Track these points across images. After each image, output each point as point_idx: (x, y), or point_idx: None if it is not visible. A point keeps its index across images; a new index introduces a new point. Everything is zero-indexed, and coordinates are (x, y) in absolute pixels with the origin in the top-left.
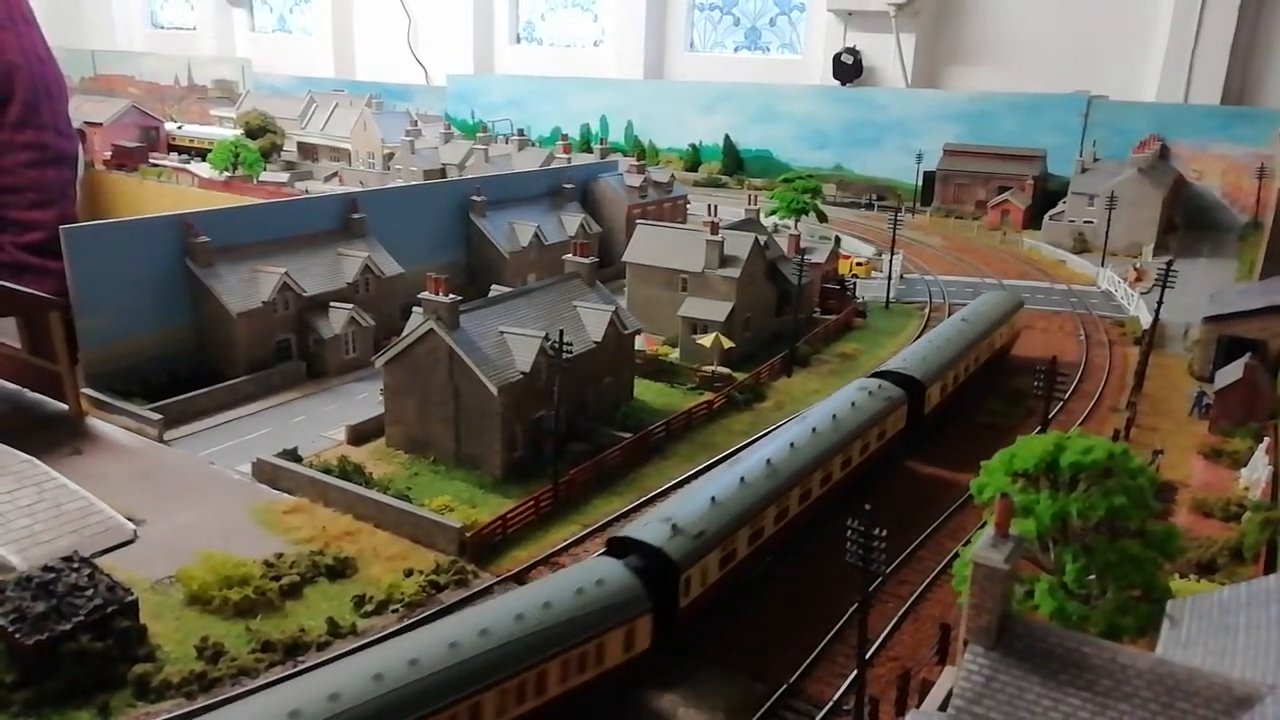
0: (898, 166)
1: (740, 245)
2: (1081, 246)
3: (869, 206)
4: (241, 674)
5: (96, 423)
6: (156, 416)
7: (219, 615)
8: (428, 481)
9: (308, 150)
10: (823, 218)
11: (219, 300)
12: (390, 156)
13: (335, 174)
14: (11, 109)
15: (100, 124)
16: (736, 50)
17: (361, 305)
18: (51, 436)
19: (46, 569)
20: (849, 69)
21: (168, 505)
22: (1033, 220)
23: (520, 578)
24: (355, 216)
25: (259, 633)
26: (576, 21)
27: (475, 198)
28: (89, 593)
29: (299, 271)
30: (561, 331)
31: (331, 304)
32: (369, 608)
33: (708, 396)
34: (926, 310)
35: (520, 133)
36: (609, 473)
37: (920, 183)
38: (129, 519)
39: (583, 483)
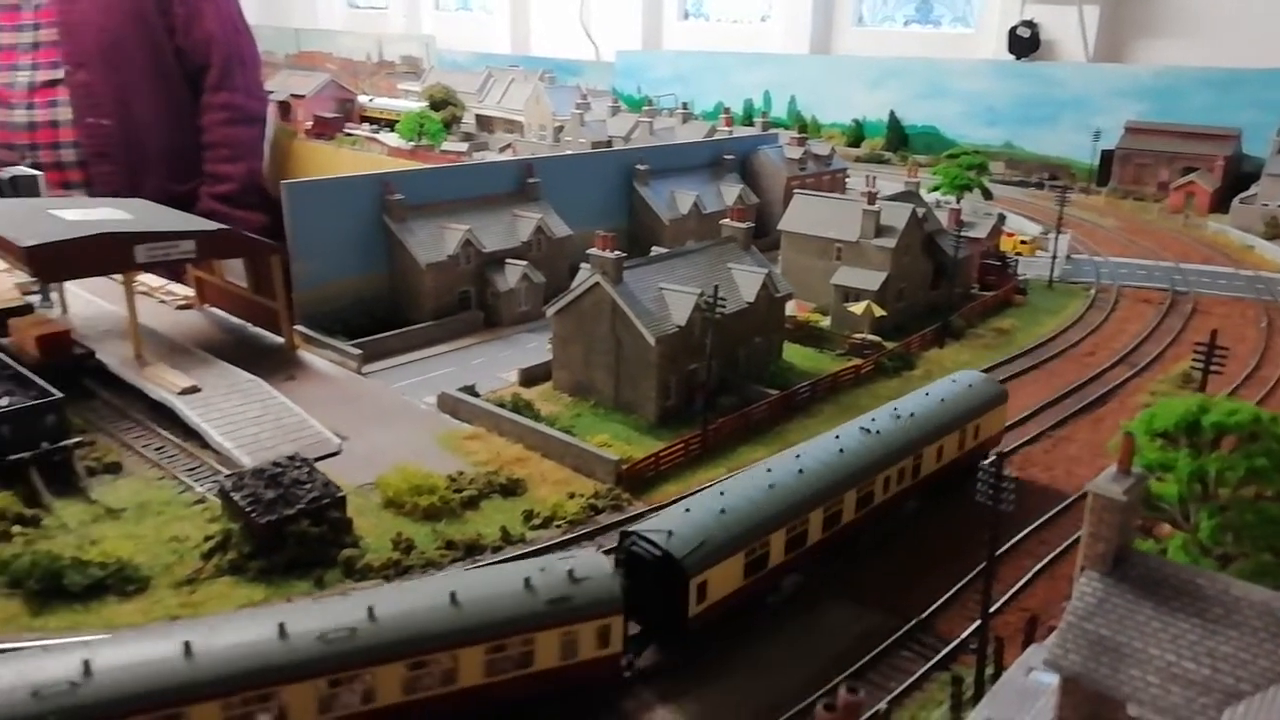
0: (1072, 145)
1: (897, 216)
2: (1275, 232)
3: (1039, 186)
4: (429, 565)
5: (305, 355)
6: (357, 352)
7: (409, 518)
8: (588, 421)
9: (485, 122)
10: (988, 195)
11: (410, 252)
12: (561, 129)
13: (509, 145)
14: (210, 74)
15: (303, 96)
16: (906, 24)
17: (533, 263)
18: (269, 364)
19: (275, 464)
20: (1025, 43)
21: (365, 427)
22: (1220, 203)
23: None
24: (530, 181)
25: (443, 534)
26: None
27: (639, 166)
28: (308, 486)
29: (480, 230)
30: (716, 287)
31: (507, 261)
32: (536, 522)
33: (855, 362)
34: (1093, 291)
35: (684, 106)
36: (755, 425)
37: (1097, 162)
38: (335, 435)
39: (730, 432)
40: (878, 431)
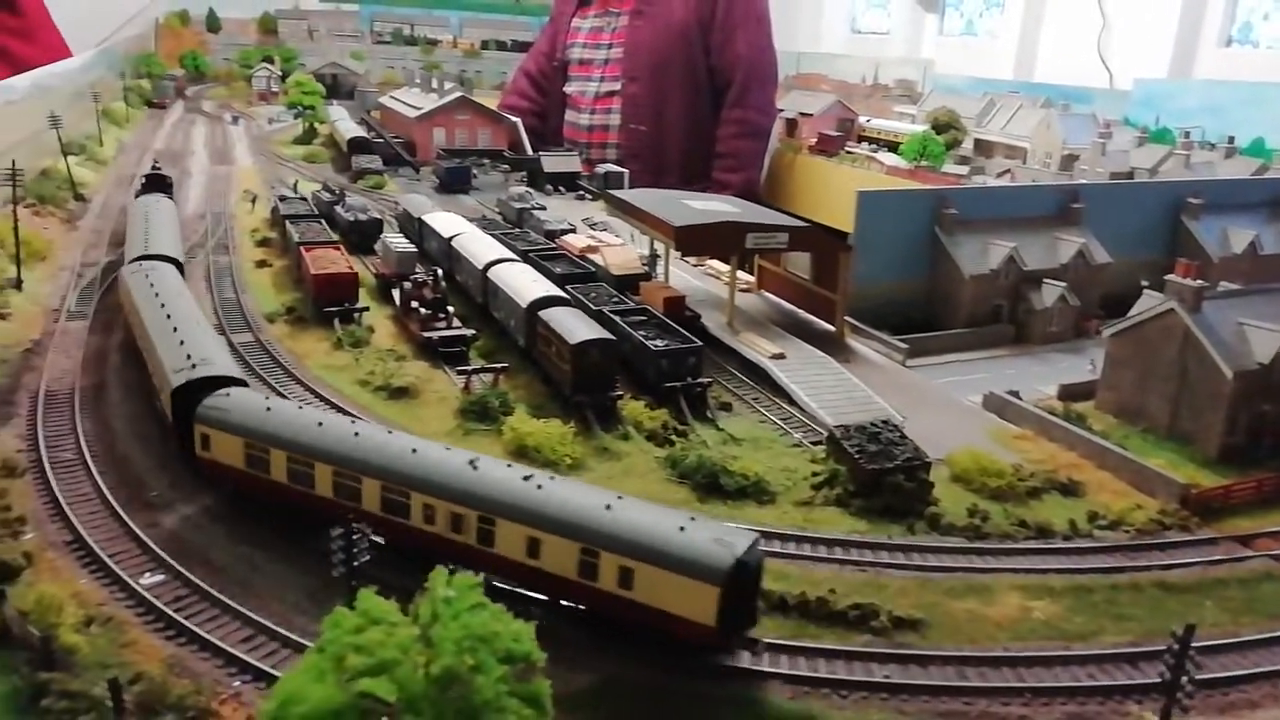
0: None
1: None
2: None
3: None
4: (1005, 537)
5: (852, 343)
6: (903, 345)
7: (978, 495)
8: (1136, 445)
9: (984, 147)
10: None
11: (955, 263)
12: (1075, 158)
13: (1007, 170)
14: (730, 92)
15: (811, 115)
16: None
17: (1069, 286)
18: (822, 347)
19: (873, 424)
20: None
21: (917, 412)
22: None
23: (1245, 541)
24: (1075, 206)
25: (1014, 514)
26: None
27: (1191, 200)
28: (901, 448)
29: (1021, 248)
30: None
31: (1044, 281)
32: (1102, 522)
33: None
34: None
35: (1231, 140)
36: None
37: None
38: (897, 413)
39: None
40: (474, 464)
